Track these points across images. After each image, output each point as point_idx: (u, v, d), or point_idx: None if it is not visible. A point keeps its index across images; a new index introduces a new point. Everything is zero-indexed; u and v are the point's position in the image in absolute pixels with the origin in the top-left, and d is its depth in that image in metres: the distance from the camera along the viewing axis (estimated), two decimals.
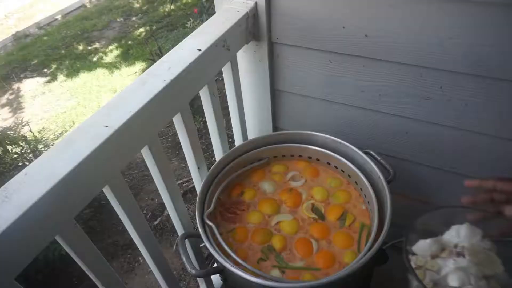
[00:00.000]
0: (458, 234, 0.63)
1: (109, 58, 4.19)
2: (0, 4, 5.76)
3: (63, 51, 4.44)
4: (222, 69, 1.05)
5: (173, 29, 4.38)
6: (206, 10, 3.42)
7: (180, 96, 0.86)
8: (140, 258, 2.09)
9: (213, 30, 0.94)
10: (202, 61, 0.87)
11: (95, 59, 4.21)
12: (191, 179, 1.13)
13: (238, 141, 1.27)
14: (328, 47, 1.01)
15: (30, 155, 2.29)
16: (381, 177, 0.91)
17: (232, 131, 1.26)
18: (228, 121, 1.24)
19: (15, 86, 3.98)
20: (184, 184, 2.45)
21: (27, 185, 0.60)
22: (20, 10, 5.70)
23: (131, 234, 0.87)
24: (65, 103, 3.59)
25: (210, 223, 0.88)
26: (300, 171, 1.08)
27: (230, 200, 1.03)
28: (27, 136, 2.40)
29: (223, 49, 0.95)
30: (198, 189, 1.02)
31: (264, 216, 0.98)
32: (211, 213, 0.94)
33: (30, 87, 3.93)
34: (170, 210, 1.01)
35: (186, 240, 0.97)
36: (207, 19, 1.03)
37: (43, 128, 3.14)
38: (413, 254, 0.61)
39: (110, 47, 4.37)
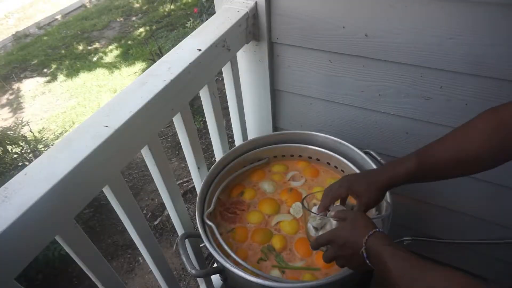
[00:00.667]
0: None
1: (109, 58, 4.19)
2: (0, 4, 5.76)
3: (63, 51, 4.44)
4: (222, 69, 1.05)
5: (173, 29, 4.38)
6: (206, 10, 3.41)
7: (180, 96, 0.86)
8: (140, 258, 2.09)
9: (213, 30, 0.94)
10: (202, 61, 0.87)
11: (95, 59, 4.20)
12: (191, 179, 1.13)
13: (238, 141, 1.27)
14: (328, 47, 1.01)
15: (30, 155, 2.28)
16: None
17: (232, 131, 1.26)
18: (228, 121, 1.24)
19: (15, 86, 3.98)
20: (184, 184, 2.45)
21: (27, 185, 0.60)
22: (20, 10, 5.70)
23: (131, 234, 0.87)
24: (65, 103, 3.59)
25: (210, 223, 0.88)
26: (300, 171, 1.08)
27: (230, 200, 1.03)
28: (27, 136, 2.40)
29: (223, 49, 0.95)
30: (198, 189, 1.02)
31: (264, 216, 0.98)
32: (211, 213, 0.94)
33: (30, 87, 3.93)
34: (170, 210, 1.01)
35: (186, 240, 0.97)
36: (207, 19, 1.03)
37: (43, 128, 3.14)
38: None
39: (110, 47, 4.37)
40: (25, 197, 0.58)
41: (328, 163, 1.06)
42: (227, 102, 1.16)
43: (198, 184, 1.08)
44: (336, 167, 1.05)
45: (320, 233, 0.74)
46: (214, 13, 1.04)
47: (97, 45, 4.51)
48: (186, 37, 0.93)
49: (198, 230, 0.88)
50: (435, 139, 1.06)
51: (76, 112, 3.41)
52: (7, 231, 0.54)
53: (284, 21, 1.01)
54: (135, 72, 3.82)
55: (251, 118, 1.29)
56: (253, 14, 1.01)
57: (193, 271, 0.83)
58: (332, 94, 1.11)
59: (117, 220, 2.23)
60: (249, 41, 1.07)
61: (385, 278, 0.58)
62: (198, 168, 1.05)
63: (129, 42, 4.42)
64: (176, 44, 0.91)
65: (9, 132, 2.39)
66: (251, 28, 1.03)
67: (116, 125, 0.70)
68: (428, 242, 1.29)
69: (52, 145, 2.41)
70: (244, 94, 1.19)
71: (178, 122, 0.92)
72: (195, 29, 0.97)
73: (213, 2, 1.08)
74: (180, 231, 1.07)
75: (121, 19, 5.05)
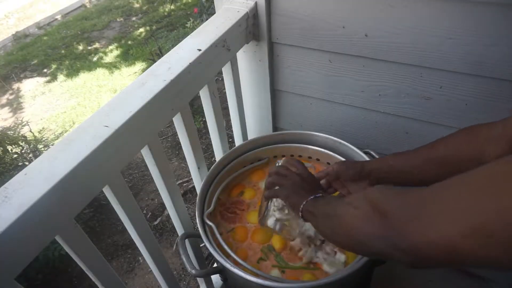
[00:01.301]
0: None
1: (109, 58, 4.19)
2: (0, 4, 5.76)
3: (63, 51, 4.44)
4: (222, 69, 1.05)
5: (173, 29, 4.38)
6: (206, 10, 3.41)
7: (180, 96, 0.86)
8: (140, 258, 2.09)
9: (213, 30, 0.94)
10: (202, 61, 0.87)
11: (95, 59, 4.20)
12: (191, 179, 1.13)
13: (238, 141, 1.27)
14: (328, 47, 1.01)
15: (30, 155, 2.28)
16: None
17: (232, 131, 1.26)
18: (228, 121, 1.24)
19: (15, 86, 3.98)
20: (184, 184, 2.45)
21: (27, 185, 0.60)
22: (20, 10, 5.70)
23: (131, 234, 0.87)
24: (65, 103, 3.59)
25: (210, 223, 0.88)
26: None
27: (230, 200, 1.03)
28: (27, 136, 2.40)
29: (223, 49, 0.95)
30: (198, 189, 1.02)
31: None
32: (211, 213, 0.94)
33: (30, 87, 3.93)
34: (170, 210, 1.01)
35: (186, 240, 0.97)
36: (207, 19, 1.03)
37: (43, 128, 3.14)
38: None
39: (110, 47, 4.37)
40: (25, 197, 0.58)
41: (328, 163, 1.06)
42: (227, 102, 1.16)
43: (198, 184, 1.08)
44: None
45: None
46: (214, 13, 1.04)
47: (97, 45, 4.52)
48: (186, 37, 0.93)
49: (198, 230, 0.88)
50: (435, 139, 1.06)
51: (76, 112, 3.41)
52: (7, 231, 0.54)
53: (284, 21, 1.01)
54: (135, 72, 3.82)
55: (251, 118, 1.29)
56: (253, 14, 1.01)
57: (193, 271, 0.83)
58: (332, 94, 1.11)
59: (117, 220, 2.23)
60: (249, 41, 1.07)
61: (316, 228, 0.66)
62: (198, 168, 1.05)
63: (129, 42, 4.42)
64: (176, 44, 0.91)
65: (9, 132, 2.39)
66: (251, 28, 1.03)
67: (116, 125, 0.70)
68: None
69: (52, 145, 2.40)
70: (244, 94, 1.19)
71: (178, 122, 0.92)
72: (195, 29, 0.97)
73: (213, 2, 1.08)
74: (180, 231, 1.07)
75: (121, 19, 5.05)
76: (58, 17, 5.39)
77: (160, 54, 3.09)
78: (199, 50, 0.87)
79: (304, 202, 0.66)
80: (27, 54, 4.49)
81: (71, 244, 0.67)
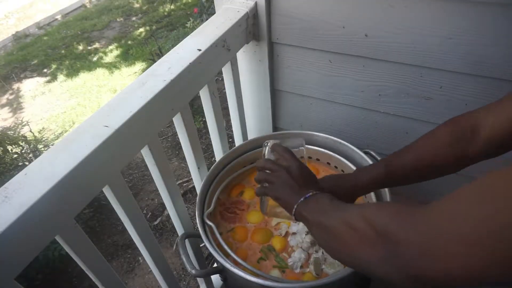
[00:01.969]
0: None
1: (109, 58, 4.19)
2: (0, 4, 5.76)
3: (63, 51, 4.44)
4: (222, 69, 1.05)
5: (173, 29, 4.38)
6: (206, 10, 3.41)
7: (180, 96, 0.86)
8: (140, 258, 2.09)
9: (213, 30, 0.94)
10: (202, 61, 0.87)
11: (95, 59, 4.20)
12: (191, 179, 1.13)
13: (238, 141, 1.27)
14: (328, 47, 1.01)
15: (30, 155, 2.29)
16: None
17: (232, 131, 1.26)
18: (228, 121, 1.24)
19: (15, 86, 3.98)
20: (184, 184, 2.45)
21: (27, 185, 0.60)
22: (20, 10, 5.70)
23: (131, 234, 0.87)
24: (65, 103, 3.59)
25: (210, 223, 0.88)
26: None
27: (230, 199, 1.03)
28: (27, 136, 2.40)
29: (223, 49, 0.95)
30: (198, 189, 1.02)
31: (264, 216, 0.98)
32: (211, 213, 0.94)
33: (30, 87, 3.93)
34: (170, 210, 1.01)
35: (186, 240, 0.97)
36: (207, 19, 1.03)
37: (43, 128, 3.14)
38: None
39: (110, 47, 4.37)
40: (25, 197, 0.57)
41: (328, 163, 1.06)
42: (227, 102, 1.16)
43: (198, 184, 1.08)
44: (336, 167, 1.05)
45: None
46: (214, 13, 1.04)
47: (97, 45, 4.52)
48: (186, 37, 0.93)
49: (198, 230, 0.88)
50: None
51: (76, 112, 3.41)
52: (7, 231, 0.54)
53: (284, 21, 1.01)
54: (135, 72, 3.82)
55: (251, 118, 1.29)
56: (253, 14, 1.01)
57: (193, 271, 0.83)
58: (332, 94, 1.11)
59: (117, 220, 2.23)
60: (249, 41, 1.07)
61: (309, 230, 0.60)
62: (198, 168, 1.05)
63: (129, 42, 4.42)
64: (176, 44, 0.91)
65: (9, 132, 2.39)
66: (251, 28, 1.03)
67: (116, 125, 0.70)
68: None
69: (52, 145, 2.41)
70: (244, 94, 1.19)
71: (178, 122, 0.92)
72: (195, 29, 0.97)
73: (213, 2, 1.08)
74: (180, 231, 1.07)
75: (121, 19, 5.05)
76: (58, 17, 5.39)
77: (160, 54, 3.09)
78: (199, 50, 0.87)
79: (295, 206, 0.61)
80: (27, 54, 4.49)
81: (71, 244, 0.67)
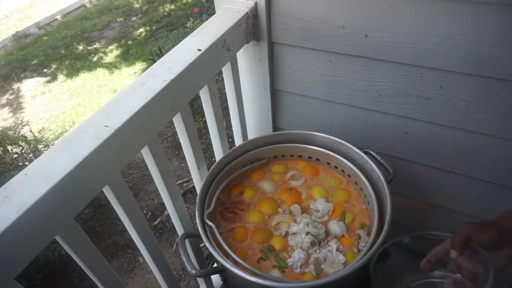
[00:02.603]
0: None
1: (109, 58, 4.19)
2: (0, 4, 5.76)
3: (63, 51, 4.44)
4: (222, 69, 1.05)
5: (173, 29, 4.38)
6: (206, 10, 3.42)
7: (180, 96, 0.86)
8: (140, 258, 2.09)
9: (213, 30, 0.94)
10: (202, 61, 0.87)
11: (95, 59, 4.20)
12: (191, 179, 1.13)
13: (238, 141, 1.27)
14: (328, 47, 1.01)
15: (30, 155, 2.29)
16: (381, 177, 0.91)
17: (232, 131, 1.26)
18: (228, 121, 1.24)
19: (15, 86, 3.98)
20: (184, 184, 2.45)
21: (27, 185, 0.60)
22: (20, 10, 5.70)
23: (131, 234, 0.87)
24: (65, 103, 3.59)
25: (210, 223, 0.88)
26: (300, 171, 1.08)
27: (230, 199, 1.03)
28: (27, 136, 2.40)
29: (223, 49, 0.95)
30: (198, 189, 1.01)
31: (263, 215, 0.98)
32: (211, 213, 0.94)
33: (30, 87, 3.93)
34: (170, 210, 1.01)
35: (186, 240, 0.97)
36: (207, 19, 1.03)
37: (43, 128, 3.14)
38: None
39: (110, 47, 4.37)
40: (25, 197, 0.58)
41: (328, 163, 1.06)
42: (227, 102, 1.16)
43: (198, 184, 1.08)
44: (336, 167, 1.05)
45: None
46: (214, 13, 1.04)
47: (97, 45, 4.52)
48: (186, 37, 0.93)
49: (198, 230, 0.88)
50: (435, 139, 1.07)
51: (76, 112, 3.41)
52: (7, 231, 0.54)
53: (284, 21, 1.01)
54: (135, 72, 3.82)
55: (251, 118, 1.29)
56: (253, 14, 1.01)
57: (193, 271, 0.83)
58: (332, 94, 1.11)
59: (117, 220, 2.23)
60: (249, 41, 1.07)
61: None
62: (198, 168, 1.05)
63: (129, 42, 4.42)
64: (176, 44, 0.91)
65: (9, 132, 2.39)
66: (251, 28, 1.03)
67: (116, 125, 0.70)
68: (427, 241, 1.29)
69: (52, 145, 2.40)
70: (244, 94, 1.19)
71: (178, 122, 0.92)
72: (195, 29, 0.97)
73: (213, 2, 1.08)
74: (180, 231, 1.07)
75: (121, 19, 5.05)
76: (58, 17, 5.39)
77: (160, 54, 3.09)
78: (199, 50, 0.87)
79: None
80: (27, 54, 4.49)
81: (71, 244, 0.67)
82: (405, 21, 0.87)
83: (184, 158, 1.08)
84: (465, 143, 1.01)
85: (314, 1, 0.94)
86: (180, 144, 1.00)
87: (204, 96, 1.00)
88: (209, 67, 0.93)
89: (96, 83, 3.78)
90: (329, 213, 0.95)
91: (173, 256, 2.07)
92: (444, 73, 0.91)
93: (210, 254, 1.30)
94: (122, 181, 0.77)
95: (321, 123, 1.21)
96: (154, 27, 4.60)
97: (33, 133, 2.49)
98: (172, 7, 4.90)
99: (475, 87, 0.89)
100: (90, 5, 5.67)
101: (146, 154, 0.84)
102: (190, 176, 1.15)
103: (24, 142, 2.33)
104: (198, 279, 1.35)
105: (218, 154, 1.17)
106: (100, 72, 3.95)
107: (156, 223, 2.26)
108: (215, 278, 1.29)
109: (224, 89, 1.13)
